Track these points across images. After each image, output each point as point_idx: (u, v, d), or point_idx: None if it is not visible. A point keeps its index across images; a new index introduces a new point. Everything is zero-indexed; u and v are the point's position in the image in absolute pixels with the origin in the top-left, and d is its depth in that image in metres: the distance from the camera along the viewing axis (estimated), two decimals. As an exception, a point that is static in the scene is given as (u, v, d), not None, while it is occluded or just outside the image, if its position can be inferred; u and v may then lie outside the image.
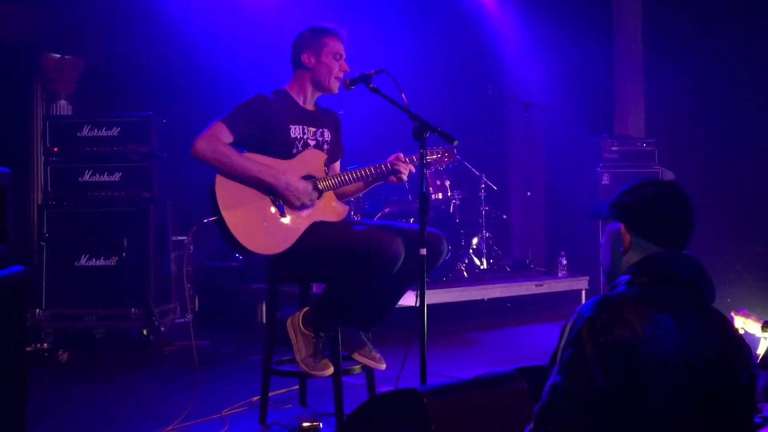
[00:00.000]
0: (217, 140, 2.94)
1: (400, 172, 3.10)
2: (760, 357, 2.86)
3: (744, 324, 2.92)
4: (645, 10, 7.07)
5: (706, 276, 1.71)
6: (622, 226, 1.78)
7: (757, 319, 2.88)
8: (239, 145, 3.04)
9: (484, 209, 6.31)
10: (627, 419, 1.53)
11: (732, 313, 2.92)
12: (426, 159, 3.23)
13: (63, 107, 5.93)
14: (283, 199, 2.97)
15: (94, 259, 4.64)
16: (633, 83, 7.14)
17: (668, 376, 1.53)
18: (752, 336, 2.92)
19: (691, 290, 1.68)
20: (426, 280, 2.71)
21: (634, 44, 7.12)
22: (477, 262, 6.28)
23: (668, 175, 6.33)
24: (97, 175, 4.73)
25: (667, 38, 6.83)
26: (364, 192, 3.40)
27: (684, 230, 1.75)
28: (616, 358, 1.54)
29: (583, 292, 5.98)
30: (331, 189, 3.12)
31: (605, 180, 6.26)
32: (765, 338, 2.93)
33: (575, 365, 1.58)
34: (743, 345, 1.69)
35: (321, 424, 2.86)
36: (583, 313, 1.63)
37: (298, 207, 2.99)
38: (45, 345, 4.56)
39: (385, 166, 3.13)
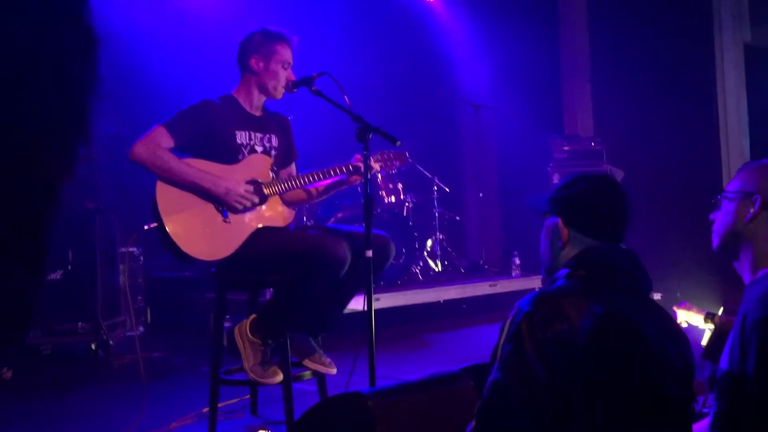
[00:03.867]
0: (155, 145, 2.88)
1: (360, 169, 3.05)
2: (705, 347, 2.90)
3: (687, 317, 2.97)
4: (590, 12, 7.19)
5: (641, 267, 1.72)
6: (559, 221, 1.79)
7: (699, 311, 2.93)
8: (184, 150, 2.99)
9: (437, 211, 6.33)
10: (567, 412, 1.53)
11: (674, 307, 2.96)
12: (375, 162, 3.25)
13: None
14: (225, 205, 2.93)
15: (38, 273, 4.51)
16: (581, 83, 7.25)
17: (606, 366, 1.54)
18: (696, 328, 2.96)
19: (629, 281, 1.69)
20: (375, 282, 2.70)
21: (581, 45, 7.23)
22: (431, 264, 6.29)
23: (617, 174, 6.43)
24: (40, 186, 4.60)
25: (613, 39, 6.95)
26: (318, 199, 3.37)
27: (620, 223, 1.76)
28: (554, 352, 1.54)
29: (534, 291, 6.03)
30: (277, 194, 3.08)
31: (555, 179, 6.34)
32: (708, 329, 2.98)
33: (514, 361, 1.58)
34: (680, 333, 1.71)
35: (271, 432, 2.82)
36: (522, 308, 1.63)
37: (241, 211, 2.95)
38: (-12, 364, 4.41)
39: (333, 169, 3.10)
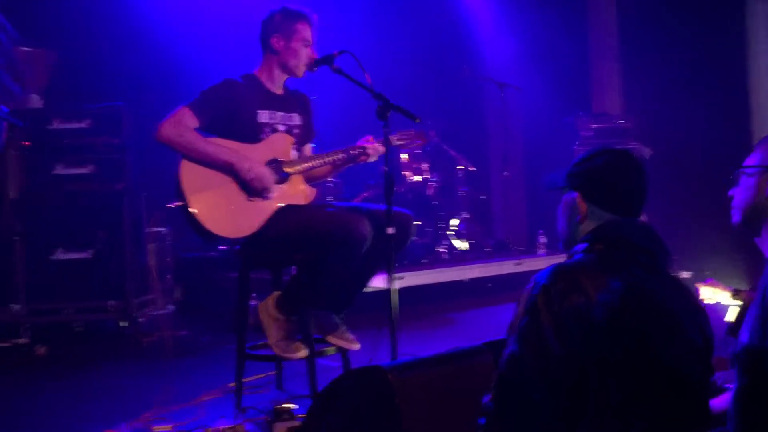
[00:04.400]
0: (181, 125, 2.92)
1: (367, 155, 3.11)
2: (730, 324, 2.88)
3: (713, 293, 2.95)
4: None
5: (659, 242, 1.72)
6: (577, 195, 1.79)
7: (725, 288, 2.91)
8: (208, 130, 3.03)
9: (462, 191, 6.31)
10: (582, 386, 1.54)
11: (697, 284, 2.94)
12: (396, 141, 3.27)
13: (35, 101, 5.86)
14: (244, 184, 2.96)
15: (69, 252, 4.61)
16: (609, 61, 7.15)
17: (622, 342, 1.54)
18: (722, 305, 2.94)
19: (646, 256, 1.69)
20: (398, 260, 2.72)
21: (609, 22, 7.13)
22: (457, 243, 6.28)
23: (645, 152, 6.36)
24: (70, 167, 4.68)
25: (642, 14, 6.84)
26: (333, 175, 3.40)
27: (637, 197, 1.76)
28: (571, 326, 1.55)
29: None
30: (299, 173, 3.11)
31: (582, 158, 6.27)
32: (735, 305, 2.95)
33: (531, 334, 1.59)
34: (699, 308, 1.70)
35: (296, 406, 2.87)
36: (539, 281, 1.64)
37: (261, 192, 2.98)
38: (23, 340, 4.53)
39: (353, 149, 3.14)
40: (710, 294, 2.96)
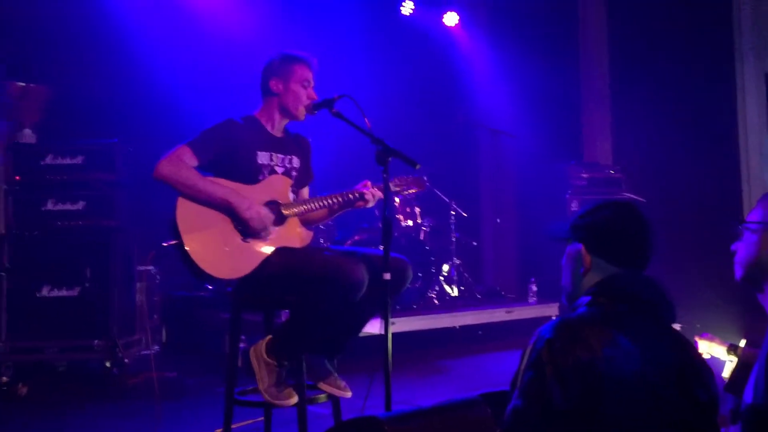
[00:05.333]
0: (180, 162, 2.90)
1: (365, 201, 3.09)
2: (727, 380, 2.85)
3: (709, 348, 2.92)
4: (611, 39, 7.20)
5: (664, 296, 1.70)
6: (582, 248, 1.77)
7: (722, 342, 2.88)
8: (206, 169, 3.01)
9: (454, 236, 6.30)
10: (587, 443, 1.51)
11: (696, 338, 2.92)
12: (393, 188, 3.26)
13: (28, 136, 5.83)
14: (244, 224, 2.93)
15: (56, 290, 4.54)
16: (600, 110, 7.24)
17: (627, 396, 1.51)
18: (718, 360, 2.92)
19: (651, 310, 1.67)
20: (393, 305, 2.68)
21: (601, 72, 7.23)
22: (448, 289, 6.26)
23: (638, 203, 6.39)
24: (60, 203, 4.65)
25: (633, 66, 6.95)
26: (330, 219, 3.37)
27: (643, 250, 1.75)
28: (575, 380, 1.52)
29: (553, 318, 5.96)
30: (296, 215, 3.09)
31: (574, 206, 6.31)
32: (731, 361, 2.93)
33: (535, 388, 1.56)
34: (702, 364, 1.68)
35: (285, 455, 2.80)
36: (543, 335, 1.62)
37: (259, 232, 2.95)
38: (4, 379, 4.42)
39: (352, 193, 3.12)
40: (707, 348, 2.94)
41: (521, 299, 6.31)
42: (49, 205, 4.64)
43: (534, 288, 6.16)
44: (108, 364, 4.48)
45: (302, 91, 3.14)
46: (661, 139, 6.74)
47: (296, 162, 3.23)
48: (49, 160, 4.69)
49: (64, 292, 4.52)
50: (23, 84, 5.83)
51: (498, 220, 6.68)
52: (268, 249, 2.96)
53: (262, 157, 3.10)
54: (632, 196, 6.35)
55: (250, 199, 2.94)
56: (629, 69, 6.99)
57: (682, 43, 6.57)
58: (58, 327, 4.49)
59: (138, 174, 4.80)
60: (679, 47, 6.58)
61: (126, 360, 4.56)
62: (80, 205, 4.63)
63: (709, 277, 6.33)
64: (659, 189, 6.60)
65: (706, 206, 6.49)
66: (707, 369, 1.68)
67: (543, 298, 6.16)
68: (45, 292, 4.53)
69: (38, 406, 4.09)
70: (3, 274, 4.54)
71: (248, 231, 2.93)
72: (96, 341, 4.45)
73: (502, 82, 7.40)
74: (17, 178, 4.67)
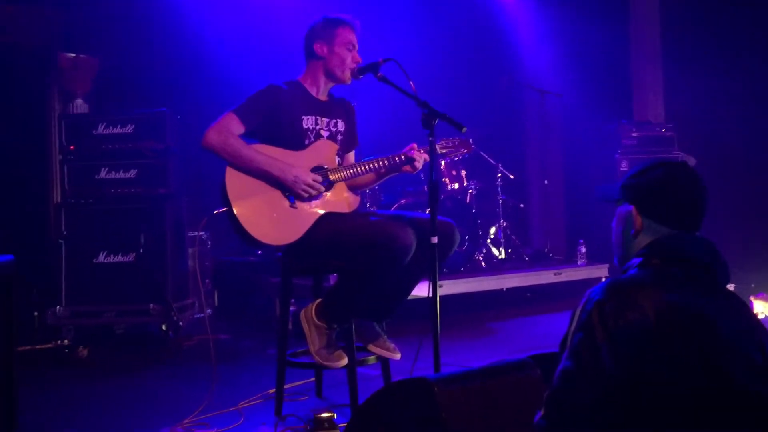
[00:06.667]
0: (227, 131, 2.94)
1: (414, 160, 3.08)
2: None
3: (764, 308, 2.88)
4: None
5: (719, 257, 1.67)
6: (633, 209, 1.75)
7: (778, 303, 2.83)
8: (251, 135, 3.04)
9: (501, 199, 6.26)
10: (637, 404, 1.51)
11: (751, 298, 2.87)
12: (440, 149, 3.24)
13: (80, 106, 5.96)
14: (292, 193, 2.96)
15: (112, 256, 4.67)
16: (651, 68, 7.04)
17: (679, 359, 1.50)
18: (774, 320, 2.87)
19: (704, 271, 1.64)
20: (440, 269, 2.69)
21: (652, 28, 7.02)
22: (495, 251, 6.24)
23: (689, 161, 6.25)
24: (113, 172, 4.75)
25: (685, 20, 6.72)
26: (377, 183, 3.38)
27: (696, 211, 1.71)
28: (625, 342, 1.52)
29: (603, 280, 5.91)
30: (343, 180, 3.10)
31: (624, 166, 6.20)
32: (787, 322, 2.87)
33: (585, 350, 1.56)
34: (758, 325, 1.65)
35: (335, 414, 2.85)
36: (593, 297, 1.61)
37: (307, 198, 2.98)
38: (65, 342, 4.60)
39: (398, 157, 3.11)
40: (762, 308, 2.89)
41: (570, 261, 6.25)
42: (103, 174, 4.75)
43: (583, 250, 6.10)
44: (164, 327, 4.61)
45: (347, 54, 3.13)
46: (714, 95, 6.54)
47: (341, 126, 3.23)
48: (101, 129, 4.79)
49: (119, 258, 4.65)
50: (74, 55, 5.95)
51: (545, 182, 6.58)
52: (315, 215, 2.99)
53: (307, 122, 3.11)
54: (684, 155, 6.20)
55: (297, 166, 2.96)
56: (681, 23, 6.77)
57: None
58: (115, 292, 4.63)
59: (187, 141, 4.88)
60: (733, 1, 6.34)
61: (181, 323, 4.69)
62: (132, 173, 4.74)
63: (764, 236, 6.19)
64: (713, 147, 6.43)
65: (761, 164, 6.31)
66: (762, 329, 1.65)
67: (592, 260, 6.09)
68: (101, 258, 4.66)
69: (98, 368, 4.25)
70: (61, 241, 4.69)
71: (296, 198, 2.97)
72: (152, 305, 4.58)
73: (548, 41, 7.24)
74: (71, 147, 4.79)
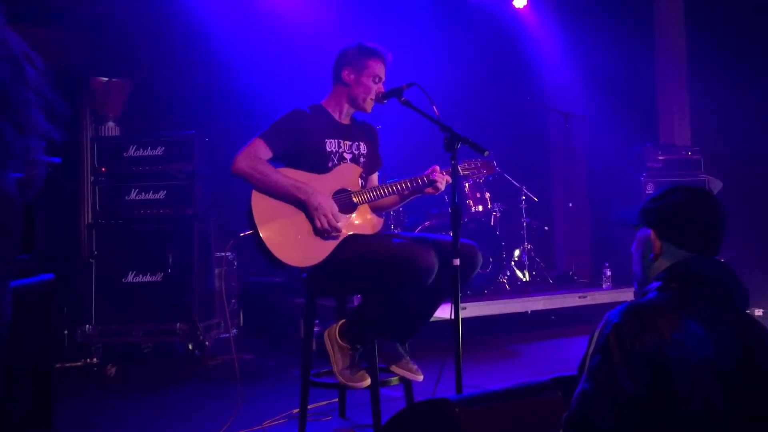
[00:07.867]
0: (255, 157, 3.00)
1: (437, 182, 3.11)
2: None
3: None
4: (688, 15, 6.95)
5: (737, 280, 1.68)
6: (652, 232, 1.76)
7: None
8: (277, 159, 3.10)
9: (525, 221, 6.27)
10: (655, 427, 1.52)
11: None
12: (462, 171, 3.28)
13: (111, 129, 6.09)
14: (310, 219, 3.00)
15: (140, 276, 4.76)
16: (677, 90, 7.01)
17: (697, 382, 1.51)
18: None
19: (722, 295, 1.65)
20: (464, 291, 2.72)
21: (678, 50, 7.00)
22: (519, 274, 6.23)
23: (716, 184, 6.21)
24: (143, 193, 4.86)
25: (711, 42, 6.70)
26: (401, 204, 3.42)
27: (714, 235, 1.72)
28: (643, 366, 1.53)
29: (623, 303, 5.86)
30: (366, 202, 3.15)
31: (649, 189, 6.17)
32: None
33: (603, 372, 1.57)
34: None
35: (359, 435, 2.88)
36: (611, 319, 1.62)
37: (321, 231, 2.99)
38: (94, 360, 4.68)
39: (421, 179, 3.15)
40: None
41: (595, 284, 6.22)
42: (133, 195, 4.85)
43: (608, 273, 6.07)
44: (190, 347, 4.67)
45: (372, 86, 3.19)
46: (742, 119, 6.49)
47: (364, 148, 3.28)
48: (132, 151, 4.90)
49: (148, 278, 4.74)
50: (106, 79, 6.10)
51: (570, 204, 6.59)
52: (340, 237, 3.03)
53: (330, 145, 3.17)
54: (711, 178, 6.16)
55: (320, 191, 3.01)
56: (707, 46, 6.74)
57: (764, 17, 6.30)
58: (143, 311, 4.72)
59: (215, 164, 4.98)
60: (760, 22, 6.31)
61: (207, 343, 4.75)
62: (161, 195, 4.83)
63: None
64: (740, 171, 6.37)
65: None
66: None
67: (618, 283, 6.06)
68: (130, 277, 4.75)
69: (126, 385, 4.31)
70: (92, 261, 4.79)
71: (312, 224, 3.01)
72: (179, 324, 4.65)
73: (572, 64, 7.26)
74: (103, 169, 4.90)
